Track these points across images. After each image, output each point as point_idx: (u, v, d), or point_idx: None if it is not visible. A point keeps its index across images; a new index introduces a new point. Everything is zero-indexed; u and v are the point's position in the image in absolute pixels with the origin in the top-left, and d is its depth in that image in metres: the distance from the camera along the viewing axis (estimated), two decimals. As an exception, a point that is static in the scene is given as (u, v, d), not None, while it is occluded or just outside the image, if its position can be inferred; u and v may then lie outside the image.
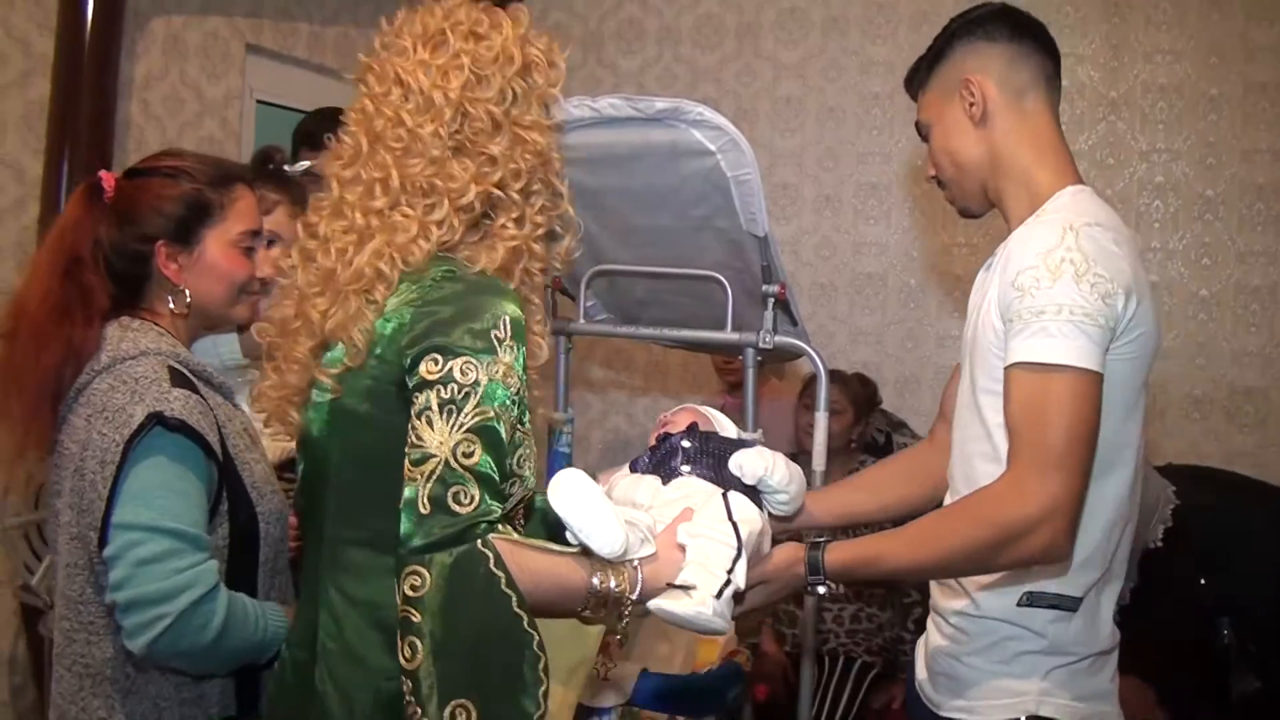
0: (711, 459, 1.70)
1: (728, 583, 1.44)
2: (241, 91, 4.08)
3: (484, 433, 1.29)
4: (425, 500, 1.26)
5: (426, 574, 1.24)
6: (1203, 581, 3.12)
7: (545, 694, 1.28)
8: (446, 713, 1.23)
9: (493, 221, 1.47)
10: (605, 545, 1.38)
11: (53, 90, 3.26)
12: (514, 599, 1.26)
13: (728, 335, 2.46)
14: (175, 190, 1.75)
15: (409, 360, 1.33)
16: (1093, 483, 1.54)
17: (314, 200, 1.51)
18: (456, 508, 1.26)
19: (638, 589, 1.41)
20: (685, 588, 1.42)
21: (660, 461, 1.71)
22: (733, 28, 4.52)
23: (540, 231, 1.49)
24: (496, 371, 1.31)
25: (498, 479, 1.31)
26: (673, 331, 2.68)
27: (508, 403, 1.32)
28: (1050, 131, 1.72)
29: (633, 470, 1.72)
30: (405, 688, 1.24)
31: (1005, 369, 1.54)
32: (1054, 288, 1.50)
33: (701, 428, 1.78)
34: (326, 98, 4.42)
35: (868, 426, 3.70)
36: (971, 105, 1.72)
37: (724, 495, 1.59)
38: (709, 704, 2.42)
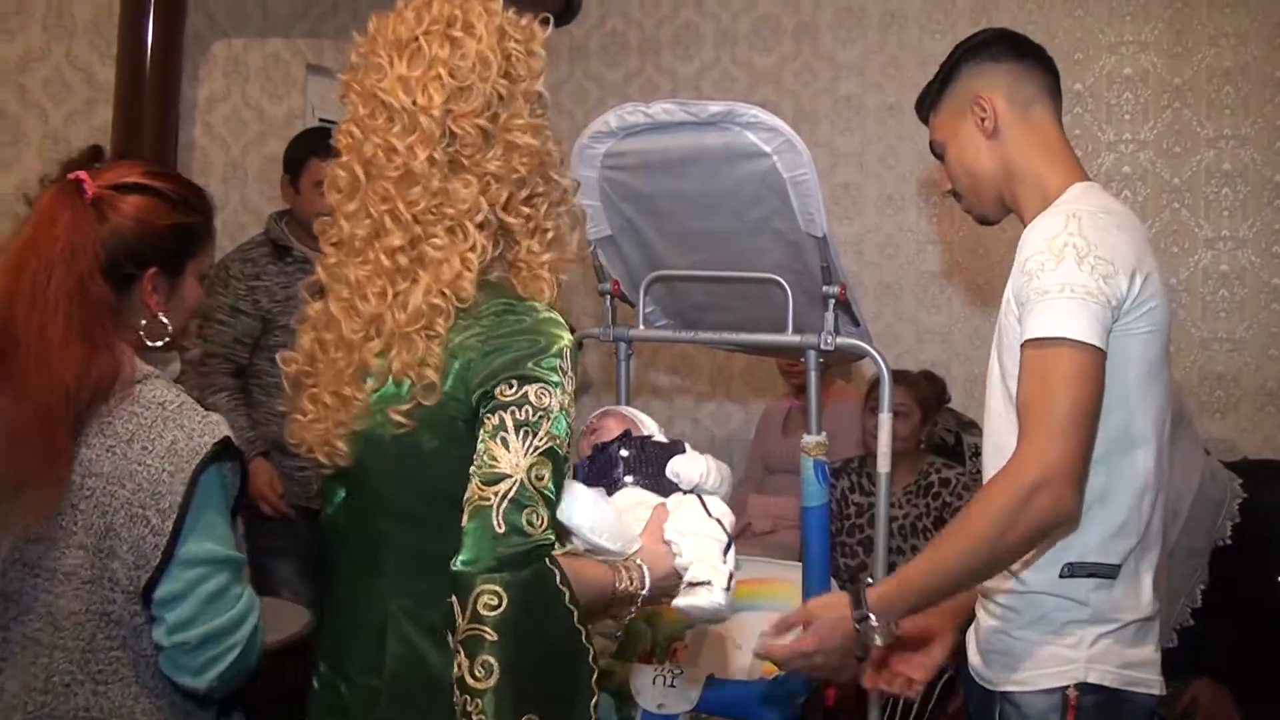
0: (650, 467, 1.78)
1: (731, 574, 1.58)
2: (304, 110, 4.14)
3: (552, 457, 1.32)
4: (500, 520, 1.27)
5: (503, 593, 1.25)
6: (1278, 579, 3.03)
7: (596, 705, 1.32)
8: None
9: (511, 235, 1.46)
10: (622, 545, 1.53)
11: (115, 117, 3.33)
12: (575, 614, 1.30)
13: (789, 338, 2.44)
14: (171, 219, 1.63)
15: (478, 395, 1.35)
16: (1118, 453, 1.67)
17: (322, 232, 1.50)
18: (529, 529, 1.28)
19: (646, 585, 1.51)
20: (700, 584, 1.54)
21: (602, 472, 1.77)
22: (790, 28, 4.49)
23: (552, 235, 1.48)
24: (565, 400, 1.35)
25: (557, 502, 1.35)
26: (732, 335, 2.67)
27: (568, 431, 1.35)
28: (1056, 138, 1.86)
29: (574, 474, 1.72)
30: (473, 706, 1.24)
31: (1020, 347, 1.64)
32: (1057, 270, 1.60)
33: (633, 432, 1.86)
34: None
35: (936, 426, 3.65)
36: (983, 120, 1.85)
37: (698, 496, 1.71)
38: (777, 710, 2.40)
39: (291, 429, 1.51)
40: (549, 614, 1.28)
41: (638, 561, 1.52)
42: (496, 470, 1.29)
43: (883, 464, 2.44)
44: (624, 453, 1.79)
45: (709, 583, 1.54)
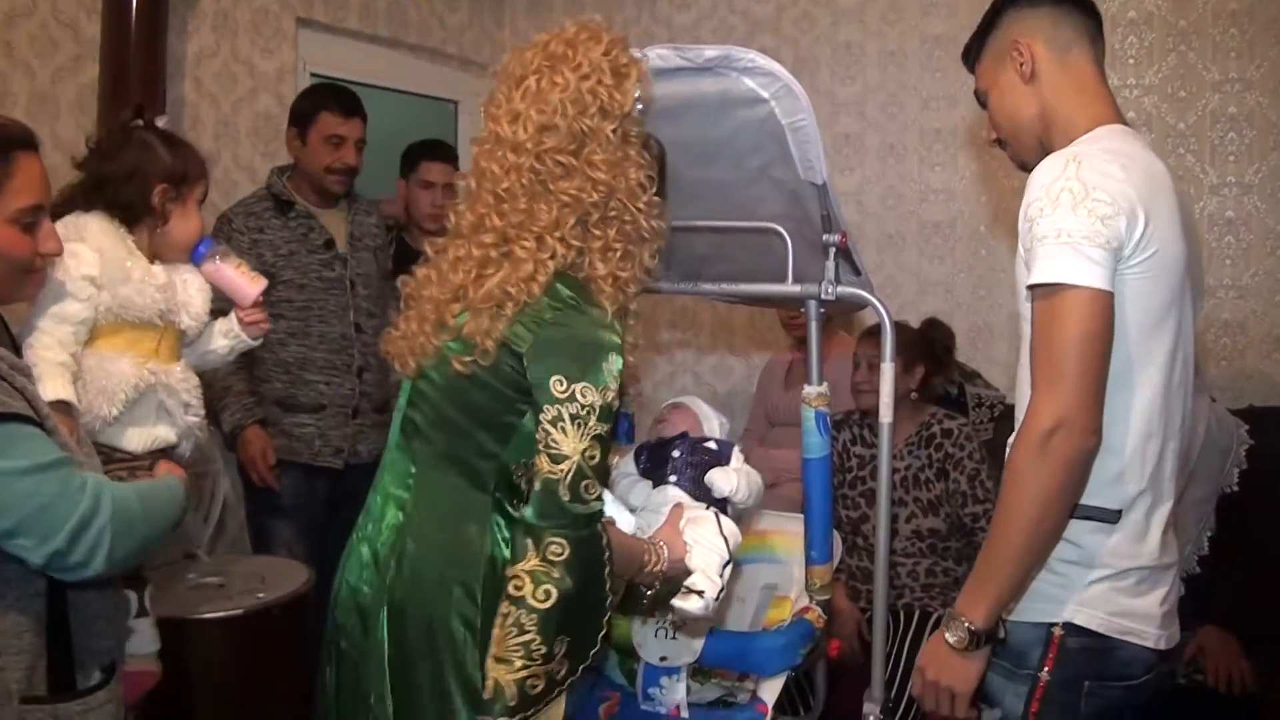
0: (695, 471, 2.21)
1: (722, 588, 1.99)
2: (295, 66, 4.08)
3: (600, 441, 1.67)
4: (565, 489, 1.63)
5: (566, 544, 1.63)
6: None
7: (604, 637, 1.72)
8: (557, 641, 1.64)
9: (585, 250, 1.74)
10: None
11: (101, 73, 3.28)
12: (609, 569, 1.70)
13: (789, 288, 2.39)
14: None
15: (533, 371, 1.67)
16: (1116, 396, 1.69)
17: (450, 211, 1.84)
18: (587, 496, 1.65)
19: (665, 564, 1.92)
20: (696, 592, 1.96)
21: (654, 465, 2.26)
22: (788, -26, 4.42)
23: (620, 254, 1.75)
24: (609, 397, 1.66)
25: (605, 473, 1.73)
26: (732, 286, 2.61)
27: (610, 419, 1.68)
28: (1093, 80, 1.87)
29: (636, 458, 2.29)
30: (528, 619, 1.62)
31: (1027, 294, 1.71)
32: (1054, 215, 1.63)
33: (691, 431, 2.29)
34: (380, 68, 4.44)
35: (938, 377, 3.59)
36: (1021, 65, 1.88)
37: (715, 513, 2.10)
38: (779, 661, 2.38)
39: (387, 338, 1.88)
40: (594, 564, 1.67)
41: (659, 544, 1.93)
42: (560, 452, 1.63)
43: (885, 414, 2.39)
44: (675, 454, 2.22)
45: (703, 593, 1.96)
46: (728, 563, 2.01)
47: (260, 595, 2.68)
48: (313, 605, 2.78)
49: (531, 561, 1.63)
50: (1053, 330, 1.63)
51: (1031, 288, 1.69)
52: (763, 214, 2.42)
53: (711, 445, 2.21)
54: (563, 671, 1.67)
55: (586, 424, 1.64)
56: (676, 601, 1.97)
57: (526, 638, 1.63)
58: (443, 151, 3.97)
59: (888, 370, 2.39)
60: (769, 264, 2.49)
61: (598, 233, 1.74)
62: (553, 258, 1.70)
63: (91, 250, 2.05)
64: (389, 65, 4.51)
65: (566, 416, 1.64)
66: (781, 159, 2.28)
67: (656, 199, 1.82)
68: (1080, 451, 1.62)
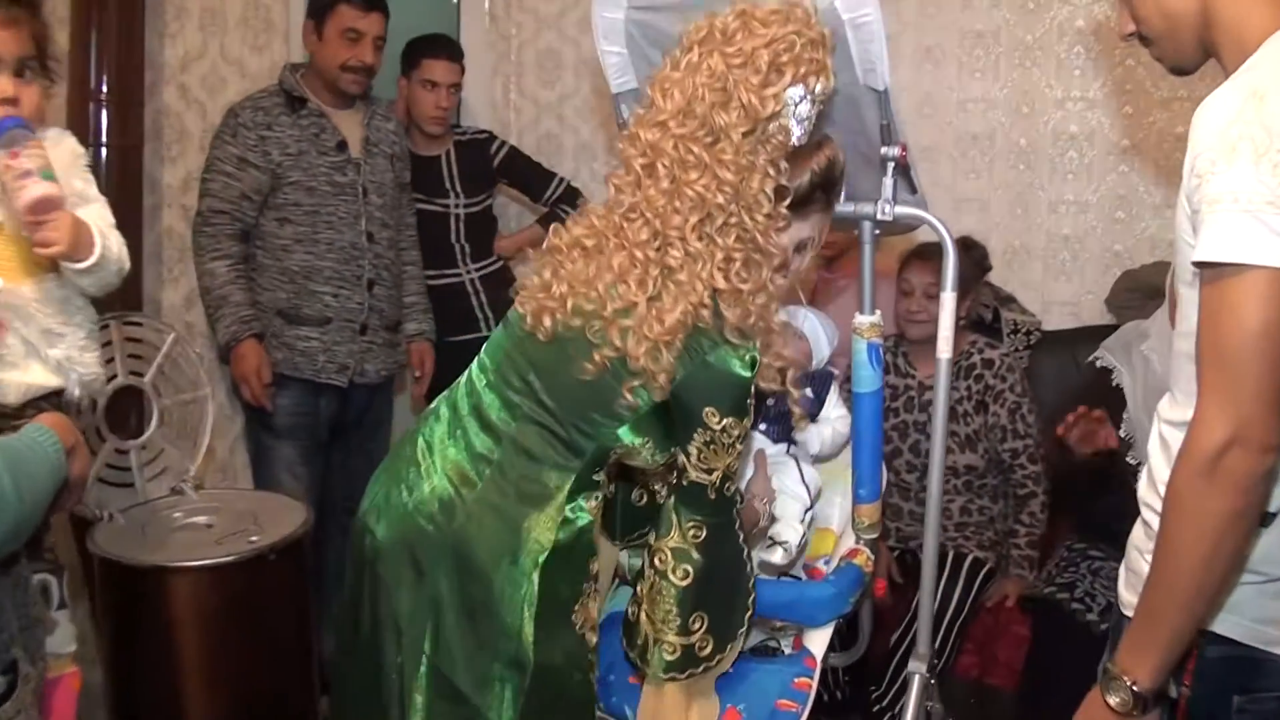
0: (786, 420, 2.17)
1: (804, 536, 2.11)
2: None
3: (739, 458, 1.75)
4: (712, 491, 1.73)
5: (704, 528, 1.75)
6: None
7: (750, 618, 1.86)
8: (691, 618, 1.76)
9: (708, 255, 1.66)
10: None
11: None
12: (746, 550, 1.84)
13: (841, 206, 2.13)
14: None
15: (686, 399, 1.68)
16: None
17: (611, 179, 1.76)
18: (728, 493, 1.77)
19: (767, 520, 2.08)
20: (779, 543, 2.08)
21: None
22: None
23: (739, 264, 1.65)
24: (746, 423, 1.72)
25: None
26: (775, 204, 2.37)
27: (741, 444, 1.74)
28: None
29: None
30: (667, 594, 1.75)
31: (1195, 270, 1.41)
32: (1230, 172, 1.32)
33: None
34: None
35: (974, 301, 3.38)
36: None
37: (796, 460, 2.20)
38: (829, 611, 2.17)
39: (526, 288, 1.79)
40: (730, 547, 1.80)
41: (764, 500, 2.05)
42: (711, 466, 1.71)
43: (944, 349, 2.19)
44: (770, 401, 2.15)
45: (786, 543, 2.08)
46: (809, 508, 2.13)
47: (253, 539, 2.47)
48: (310, 548, 2.59)
49: (674, 538, 1.75)
50: (1226, 321, 1.34)
51: (1199, 265, 1.38)
52: (813, 123, 2.16)
53: (808, 393, 2.12)
54: (708, 649, 1.79)
55: (735, 448, 1.72)
56: (759, 553, 2.03)
57: (666, 608, 1.76)
58: (447, 48, 3.69)
59: (948, 300, 2.17)
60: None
61: (720, 240, 1.65)
62: (703, 267, 1.64)
63: None
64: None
65: (720, 443, 1.69)
66: (839, 59, 2.00)
67: (784, 213, 1.70)
68: (1258, 472, 1.35)
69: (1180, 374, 1.53)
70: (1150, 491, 1.59)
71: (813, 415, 2.29)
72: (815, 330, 2.31)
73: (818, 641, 2.16)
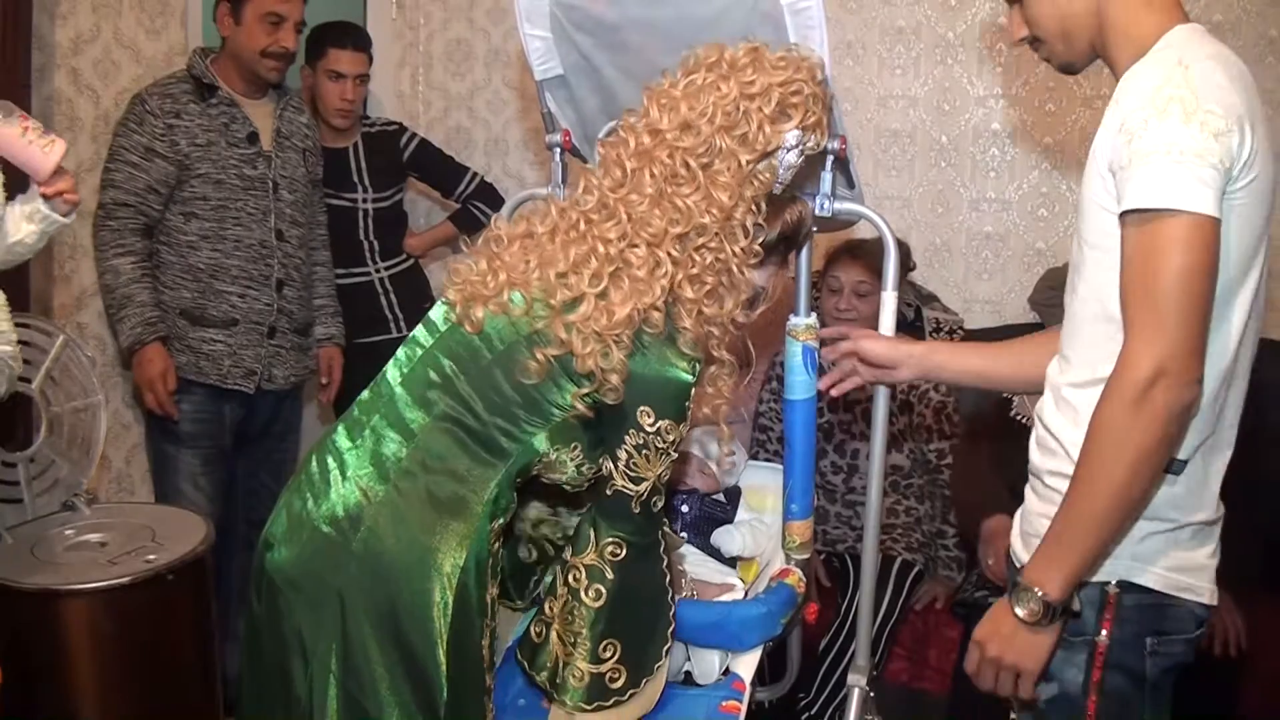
0: (704, 526, 2.32)
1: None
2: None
3: (672, 463, 1.74)
4: (637, 504, 1.71)
5: (624, 546, 1.72)
6: None
7: (668, 650, 1.81)
8: (601, 645, 1.73)
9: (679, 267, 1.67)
10: None
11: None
12: (668, 578, 1.79)
13: (778, 200, 2.06)
14: None
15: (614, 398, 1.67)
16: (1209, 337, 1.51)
17: (583, 175, 1.76)
18: (654, 509, 1.74)
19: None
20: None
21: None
22: None
23: (707, 288, 1.69)
24: (683, 430, 1.71)
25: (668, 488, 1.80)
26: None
27: (675, 452, 1.73)
28: None
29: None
30: (579, 614, 1.73)
31: (1120, 220, 1.48)
32: (1162, 127, 1.43)
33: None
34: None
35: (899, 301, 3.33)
36: None
37: (716, 555, 2.29)
38: (758, 633, 2.07)
39: (456, 272, 1.73)
40: (649, 571, 1.77)
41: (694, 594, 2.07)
42: (640, 475, 1.69)
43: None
44: (684, 509, 2.30)
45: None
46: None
47: (150, 558, 2.33)
48: (212, 566, 2.43)
49: (590, 556, 1.72)
50: (1155, 262, 1.43)
51: (1128, 213, 1.46)
52: (747, 114, 2.09)
53: (720, 498, 2.22)
54: (620, 680, 1.75)
55: (667, 455, 1.70)
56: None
57: (576, 630, 1.72)
58: (354, 37, 3.54)
59: (889, 300, 2.13)
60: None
61: (696, 258, 1.68)
62: (665, 275, 1.64)
63: None
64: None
65: (652, 447, 1.68)
66: (776, 47, 1.93)
67: (757, 250, 1.75)
68: (1182, 404, 1.44)
69: (1076, 336, 1.64)
70: (1046, 455, 1.68)
71: (727, 519, 2.36)
72: (706, 450, 2.40)
73: (746, 665, 2.07)
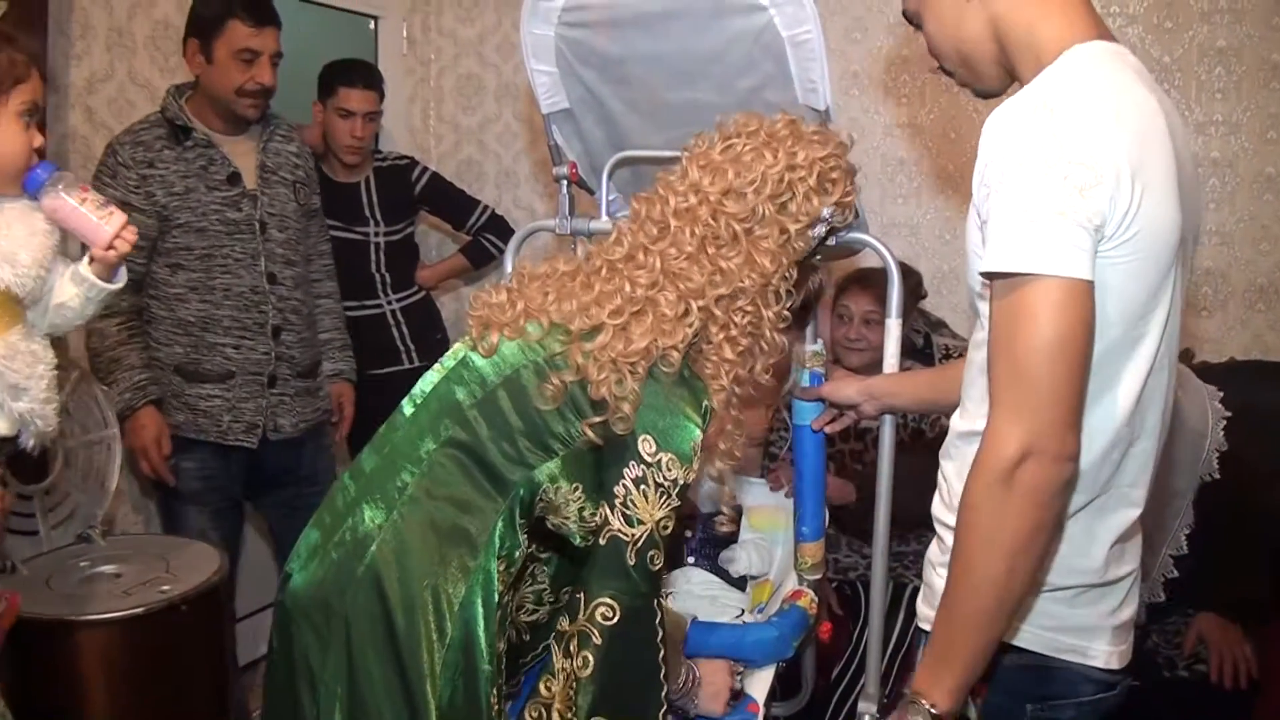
0: (711, 549, 2.34)
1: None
2: None
3: (675, 513, 1.60)
4: (633, 553, 1.57)
5: (617, 609, 1.57)
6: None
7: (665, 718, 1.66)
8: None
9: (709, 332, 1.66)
10: None
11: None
12: (662, 651, 1.62)
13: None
14: None
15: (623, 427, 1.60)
16: (1087, 401, 1.37)
17: (616, 226, 1.75)
18: (651, 567, 1.58)
19: (691, 694, 1.96)
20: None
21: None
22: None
23: (741, 348, 1.68)
24: (689, 475, 1.61)
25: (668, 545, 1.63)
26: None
27: (684, 496, 1.62)
28: None
29: None
30: (568, 685, 1.59)
31: (984, 281, 1.39)
32: (1020, 181, 1.29)
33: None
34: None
35: (907, 327, 3.35)
36: None
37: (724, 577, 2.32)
38: (771, 656, 2.11)
39: (476, 299, 1.72)
40: (643, 638, 1.60)
41: (698, 674, 1.96)
42: (636, 516, 1.57)
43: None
44: (688, 534, 2.30)
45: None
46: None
47: (164, 589, 2.34)
48: (226, 597, 2.45)
49: (580, 621, 1.59)
50: (1020, 331, 1.30)
51: (989, 276, 1.35)
52: (751, 145, 2.11)
53: (723, 517, 2.14)
54: None
55: (669, 495, 1.59)
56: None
57: (566, 701, 1.60)
58: (364, 76, 3.56)
59: (894, 327, 2.15)
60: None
61: (735, 319, 1.67)
62: (692, 325, 1.62)
63: None
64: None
65: (651, 482, 1.58)
66: (778, 79, 1.99)
67: (786, 314, 1.74)
68: (1056, 483, 1.31)
69: (973, 386, 1.53)
70: (942, 507, 1.59)
71: (731, 539, 2.41)
72: None
73: (759, 686, 2.09)
